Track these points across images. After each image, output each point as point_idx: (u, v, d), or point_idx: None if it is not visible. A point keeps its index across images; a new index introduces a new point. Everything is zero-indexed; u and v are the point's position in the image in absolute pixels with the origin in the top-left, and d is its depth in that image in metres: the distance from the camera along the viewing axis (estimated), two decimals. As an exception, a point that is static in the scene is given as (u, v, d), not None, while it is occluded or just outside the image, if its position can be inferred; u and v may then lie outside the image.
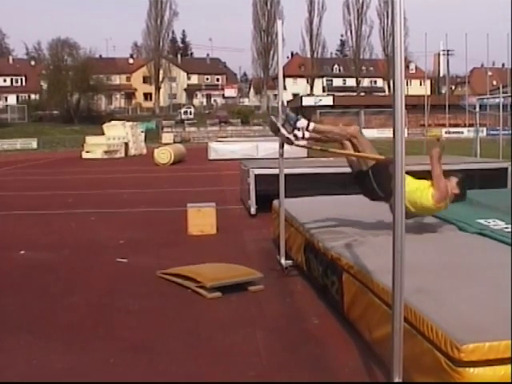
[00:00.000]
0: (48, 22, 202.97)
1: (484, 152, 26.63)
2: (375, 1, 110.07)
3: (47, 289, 8.19)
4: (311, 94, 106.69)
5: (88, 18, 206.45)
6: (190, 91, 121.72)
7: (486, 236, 7.05)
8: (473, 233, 7.27)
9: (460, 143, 36.56)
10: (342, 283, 6.16)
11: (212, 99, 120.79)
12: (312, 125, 7.37)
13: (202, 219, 11.86)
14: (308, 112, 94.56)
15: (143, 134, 55.90)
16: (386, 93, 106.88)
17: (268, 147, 32.70)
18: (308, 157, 26.34)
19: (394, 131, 4.04)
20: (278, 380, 5.06)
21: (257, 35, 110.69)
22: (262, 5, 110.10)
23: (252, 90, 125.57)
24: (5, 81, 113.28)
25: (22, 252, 10.59)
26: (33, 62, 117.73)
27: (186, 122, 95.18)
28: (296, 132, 7.32)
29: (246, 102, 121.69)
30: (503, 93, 36.97)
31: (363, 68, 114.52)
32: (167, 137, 75.87)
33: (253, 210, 13.84)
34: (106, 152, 44.85)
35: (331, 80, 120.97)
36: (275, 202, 10.08)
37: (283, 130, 7.36)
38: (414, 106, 69.66)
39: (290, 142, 7.49)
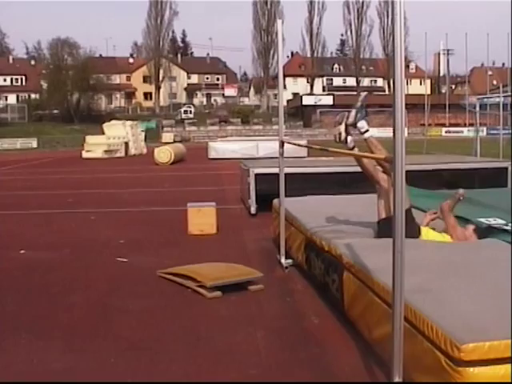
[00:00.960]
0: (48, 21, 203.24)
1: (484, 151, 26.63)
2: (375, 0, 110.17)
3: (47, 288, 8.18)
4: (311, 94, 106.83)
5: (88, 17, 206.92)
6: (190, 91, 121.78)
7: (490, 234, 7.07)
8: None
9: (460, 143, 36.58)
10: (343, 281, 6.15)
11: (212, 99, 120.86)
12: (368, 134, 7.30)
13: (202, 219, 11.86)
14: (308, 111, 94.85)
15: (143, 134, 55.95)
16: (386, 92, 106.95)
17: (268, 147, 32.76)
18: (308, 156, 26.36)
19: (394, 130, 4.04)
20: (278, 380, 5.06)
21: (257, 35, 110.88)
22: (262, 4, 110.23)
23: (252, 89, 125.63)
24: (5, 80, 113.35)
25: (22, 251, 10.58)
26: (33, 62, 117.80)
27: (186, 121, 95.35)
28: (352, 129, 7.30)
29: (246, 101, 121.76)
30: (503, 92, 36.99)
31: (363, 67, 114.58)
32: (167, 136, 76.00)
33: (253, 210, 13.84)
34: (106, 151, 44.87)
35: (331, 79, 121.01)
36: (275, 201, 10.08)
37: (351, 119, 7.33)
38: (414, 105, 69.84)
39: (342, 138, 7.43)
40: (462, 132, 79.93)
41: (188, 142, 67.73)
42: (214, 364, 5.38)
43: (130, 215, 15.02)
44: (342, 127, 7.37)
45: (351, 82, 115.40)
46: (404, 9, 3.97)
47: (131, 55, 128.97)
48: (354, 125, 7.26)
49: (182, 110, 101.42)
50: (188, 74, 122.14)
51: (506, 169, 14.17)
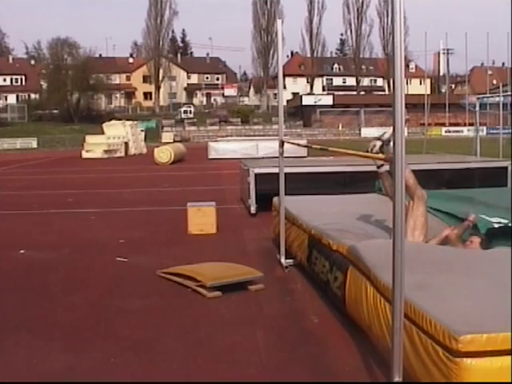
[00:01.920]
0: (48, 21, 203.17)
1: (484, 151, 26.61)
2: (375, 0, 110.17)
3: (47, 288, 8.18)
4: (311, 93, 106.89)
5: (88, 17, 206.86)
6: (190, 90, 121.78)
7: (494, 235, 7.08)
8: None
9: (460, 142, 36.58)
10: (347, 277, 6.15)
11: (212, 98, 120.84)
12: (385, 167, 7.28)
13: (202, 218, 11.86)
14: (308, 111, 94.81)
15: (143, 134, 55.97)
16: (386, 92, 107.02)
17: (268, 146, 32.81)
18: (308, 156, 26.36)
19: (393, 130, 4.05)
20: (278, 379, 5.06)
21: (257, 34, 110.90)
22: (261, 4, 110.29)
23: (252, 89, 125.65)
24: (5, 80, 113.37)
25: (22, 251, 10.58)
26: (33, 62, 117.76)
27: (185, 121, 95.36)
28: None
29: (246, 101, 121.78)
30: (503, 92, 36.99)
31: (363, 67, 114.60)
32: (167, 136, 76.03)
33: (253, 210, 13.84)
34: (105, 151, 44.87)
35: (331, 79, 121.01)
36: (275, 199, 10.09)
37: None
38: (414, 105, 69.88)
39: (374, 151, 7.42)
40: (461, 131, 79.98)
41: (188, 142, 67.75)
42: (214, 364, 5.38)
43: (130, 215, 15.02)
44: (378, 143, 7.38)
45: (351, 81, 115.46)
46: (404, 8, 3.97)
47: (131, 55, 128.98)
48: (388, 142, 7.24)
49: (182, 109, 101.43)
50: (188, 73, 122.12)
51: (506, 168, 14.18)
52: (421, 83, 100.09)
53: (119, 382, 5.09)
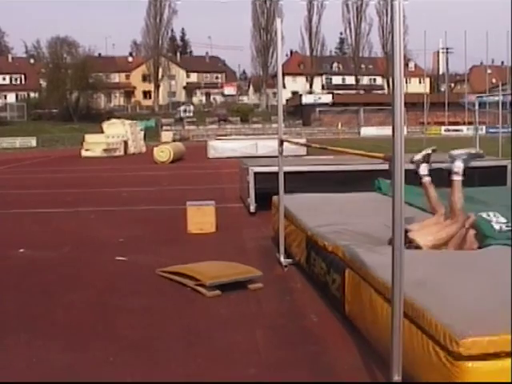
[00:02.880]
0: (47, 20, 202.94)
1: (483, 150, 26.54)
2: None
3: (47, 287, 8.18)
4: (310, 92, 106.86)
5: (87, 16, 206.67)
6: (190, 89, 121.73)
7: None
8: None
9: (459, 141, 36.53)
10: (344, 279, 6.15)
11: (211, 97, 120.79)
12: (427, 179, 7.33)
13: (201, 217, 11.86)
14: (307, 110, 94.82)
15: (142, 133, 55.91)
16: (386, 91, 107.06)
17: (267, 145, 32.78)
18: (307, 155, 26.35)
19: (393, 129, 4.04)
20: (278, 379, 5.06)
21: (256, 33, 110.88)
22: (261, 3, 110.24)
23: (251, 88, 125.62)
24: (4, 79, 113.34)
25: (22, 250, 10.58)
26: (32, 61, 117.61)
27: (185, 120, 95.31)
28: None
29: (246, 100, 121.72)
30: (502, 90, 37.00)
31: (362, 66, 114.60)
32: (166, 135, 75.88)
33: (252, 208, 13.84)
34: (105, 150, 44.86)
35: (330, 78, 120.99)
36: (275, 198, 10.08)
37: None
38: (413, 103, 69.87)
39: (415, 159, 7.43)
40: (461, 130, 79.87)
41: (187, 141, 67.68)
42: (214, 363, 5.38)
43: (130, 214, 15.02)
44: (421, 154, 7.41)
45: (350, 80, 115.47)
46: (403, 7, 3.97)
47: (130, 54, 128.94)
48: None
49: (182, 108, 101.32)
50: (187, 72, 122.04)
51: (506, 167, 14.17)
52: (420, 82, 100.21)
53: (118, 381, 5.09)
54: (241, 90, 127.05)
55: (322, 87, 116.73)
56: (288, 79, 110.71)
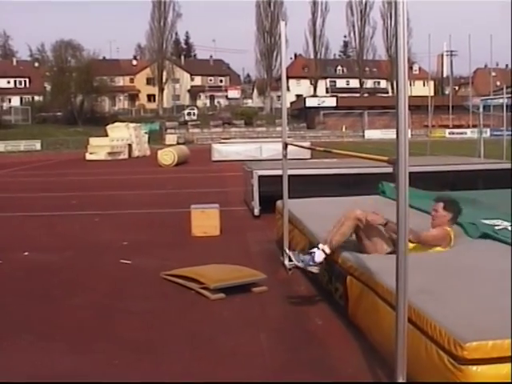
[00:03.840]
0: (51, 23, 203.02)
1: (487, 153, 26.59)
2: (378, 2, 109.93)
3: (50, 290, 8.19)
4: (314, 95, 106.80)
5: (92, 19, 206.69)
6: (194, 92, 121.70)
7: (489, 237, 7.04)
8: (477, 237, 7.20)
9: (463, 144, 36.56)
10: (346, 286, 6.16)
11: (215, 100, 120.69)
12: (326, 248, 6.79)
13: (205, 220, 11.86)
14: (312, 113, 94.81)
15: (147, 136, 55.96)
16: (390, 94, 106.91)
17: (271, 148, 32.80)
18: (312, 158, 26.35)
19: (397, 132, 4.04)
20: (282, 381, 5.06)
21: (260, 36, 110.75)
22: (265, 6, 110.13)
23: (255, 91, 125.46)
24: (8, 82, 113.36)
25: (26, 253, 10.60)
26: (36, 64, 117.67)
27: (189, 123, 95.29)
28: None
29: (250, 103, 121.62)
30: (507, 93, 36.96)
31: (366, 69, 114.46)
32: (170, 138, 75.90)
33: (256, 212, 13.84)
34: (109, 153, 44.90)
35: (334, 81, 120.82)
36: (279, 203, 10.08)
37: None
38: (417, 106, 69.71)
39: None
40: (465, 133, 79.79)
41: (191, 144, 67.63)
42: (218, 365, 5.38)
43: (134, 217, 15.03)
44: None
45: (354, 83, 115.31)
46: (407, 10, 3.97)
47: (134, 57, 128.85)
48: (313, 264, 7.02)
49: (186, 111, 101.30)
50: (191, 75, 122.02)
51: (510, 170, 14.15)
52: (424, 85, 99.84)
53: (123, 382, 5.10)
54: (245, 94, 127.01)
55: (326, 90, 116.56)
56: (292, 82, 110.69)
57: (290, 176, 8.87)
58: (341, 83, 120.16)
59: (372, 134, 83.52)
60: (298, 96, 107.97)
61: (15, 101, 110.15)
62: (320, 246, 6.77)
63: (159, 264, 9.23)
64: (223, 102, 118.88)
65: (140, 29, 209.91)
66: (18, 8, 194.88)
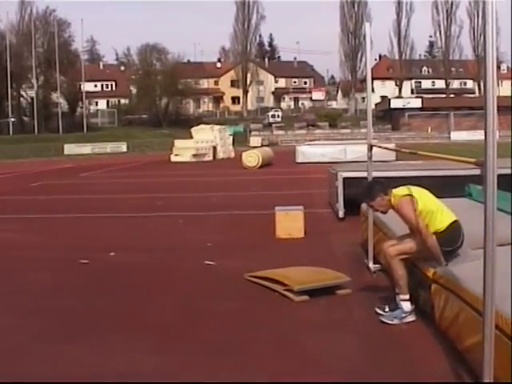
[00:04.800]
0: (137, 27, 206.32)
1: None
2: (465, 0, 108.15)
3: (136, 290, 8.31)
4: (399, 97, 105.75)
5: (176, 23, 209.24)
6: (278, 94, 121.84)
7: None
8: None
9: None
10: (431, 294, 6.07)
11: (299, 102, 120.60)
12: (405, 296, 6.63)
13: (289, 222, 11.84)
14: (396, 114, 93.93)
15: (231, 138, 56.24)
16: (476, 94, 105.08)
17: (356, 150, 32.55)
18: (397, 160, 26.08)
19: (485, 133, 3.95)
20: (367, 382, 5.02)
21: (344, 38, 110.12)
22: (349, 7, 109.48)
23: (340, 92, 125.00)
24: (95, 86, 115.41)
25: (112, 254, 10.77)
26: (122, 68, 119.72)
27: (273, 125, 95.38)
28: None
29: (334, 104, 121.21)
30: None
31: (453, 69, 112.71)
32: (255, 140, 76.09)
33: (341, 214, 13.75)
34: (194, 155, 45.29)
35: (420, 82, 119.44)
36: (363, 206, 9.99)
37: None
38: (505, 107, 68.30)
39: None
40: (557, 134, 77.92)
41: (275, 146, 67.68)
42: (302, 368, 5.36)
43: (218, 219, 15.12)
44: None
45: (440, 84, 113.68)
46: (496, 8, 3.88)
47: (219, 60, 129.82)
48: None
49: (270, 113, 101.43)
50: (275, 77, 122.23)
51: None
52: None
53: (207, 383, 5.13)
54: (329, 95, 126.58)
55: (412, 91, 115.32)
56: (377, 83, 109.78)
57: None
58: (426, 84, 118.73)
59: (458, 136, 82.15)
60: (383, 97, 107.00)
61: (102, 104, 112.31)
62: (400, 296, 6.61)
63: (243, 265, 9.24)
64: (307, 103, 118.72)
65: (224, 31, 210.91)
66: (104, 13, 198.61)
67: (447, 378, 4.97)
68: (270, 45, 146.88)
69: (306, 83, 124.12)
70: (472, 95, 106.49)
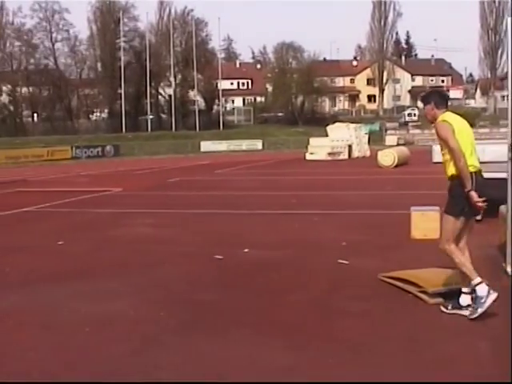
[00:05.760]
0: (273, 26, 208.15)
1: None
2: None
3: (269, 286, 8.38)
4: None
5: (312, 21, 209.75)
6: (414, 93, 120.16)
7: None
8: None
9: None
10: None
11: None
12: (476, 280, 6.79)
13: (425, 223, 11.65)
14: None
15: (367, 136, 55.85)
16: None
17: (495, 150, 31.62)
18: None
19: None
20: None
21: (484, 34, 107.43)
22: (489, 2, 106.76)
23: (478, 91, 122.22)
24: (232, 84, 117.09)
25: (246, 250, 10.89)
26: (258, 66, 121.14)
27: (409, 124, 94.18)
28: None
29: (472, 103, 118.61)
30: None
31: None
32: (391, 139, 75.29)
33: (478, 216, 13.40)
34: (329, 154, 45.19)
35: None
36: (502, 208, 9.74)
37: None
38: None
39: None
40: None
41: (411, 145, 66.75)
42: (432, 372, 5.28)
43: (352, 217, 15.05)
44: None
45: None
46: None
47: (355, 58, 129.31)
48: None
49: (406, 112, 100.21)
50: (412, 75, 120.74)
51: None
52: None
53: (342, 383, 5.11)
54: (467, 94, 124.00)
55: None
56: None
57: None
58: None
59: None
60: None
61: (238, 102, 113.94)
62: (472, 283, 6.73)
63: (377, 265, 9.18)
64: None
65: (360, 29, 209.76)
66: (240, 12, 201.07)
67: None
68: (407, 42, 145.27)
69: (443, 81, 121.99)
70: None
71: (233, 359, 5.72)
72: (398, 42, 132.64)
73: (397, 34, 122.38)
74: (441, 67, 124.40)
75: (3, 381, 5.42)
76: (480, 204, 6.90)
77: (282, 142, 74.81)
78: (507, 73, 8.84)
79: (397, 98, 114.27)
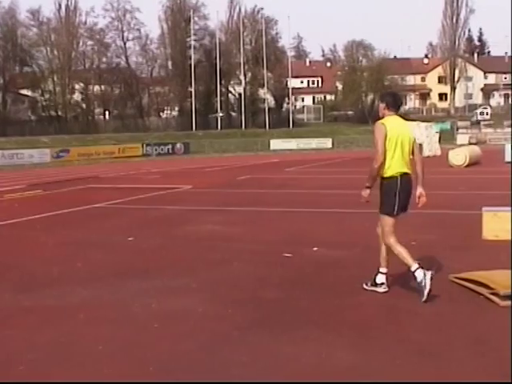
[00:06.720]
0: (344, 24, 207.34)
1: None
2: None
3: (337, 285, 8.37)
4: None
5: (383, 19, 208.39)
6: (487, 91, 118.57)
7: None
8: None
9: None
10: None
11: (510, 99, 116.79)
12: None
13: (497, 224, 11.47)
14: None
15: (438, 135, 55.24)
16: None
17: None
18: None
19: None
20: None
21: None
22: None
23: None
24: (302, 82, 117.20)
25: (315, 249, 10.89)
26: (328, 64, 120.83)
27: (481, 122, 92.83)
28: None
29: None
30: None
31: None
32: (462, 138, 74.33)
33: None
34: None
35: None
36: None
37: None
38: None
39: None
40: None
41: (483, 145, 65.78)
42: (500, 377, 5.18)
43: (423, 217, 14.84)
44: None
45: None
46: None
47: (426, 56, 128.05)
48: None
49: (478, 111, 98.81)
50: (485, 73, 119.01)
51: None
52: None
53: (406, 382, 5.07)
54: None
55: None
56: None
57: None
58: None
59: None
60: None
61: (308, 100, 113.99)
62: (412, 269, 7.72)
63: (447, 266, 9.10)
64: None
65: (431, 27, 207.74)
66: (310, 10, 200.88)
67: None
68: (480, 39, 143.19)
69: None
70: None
71: (300, 358, 5.71)
72: (470, 39, 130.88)
73: (469, 30, 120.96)
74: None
75: (15, 380, 5.42)
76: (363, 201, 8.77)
77: (352, 140, 74.45)
78: None
79: (469, 96, 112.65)
